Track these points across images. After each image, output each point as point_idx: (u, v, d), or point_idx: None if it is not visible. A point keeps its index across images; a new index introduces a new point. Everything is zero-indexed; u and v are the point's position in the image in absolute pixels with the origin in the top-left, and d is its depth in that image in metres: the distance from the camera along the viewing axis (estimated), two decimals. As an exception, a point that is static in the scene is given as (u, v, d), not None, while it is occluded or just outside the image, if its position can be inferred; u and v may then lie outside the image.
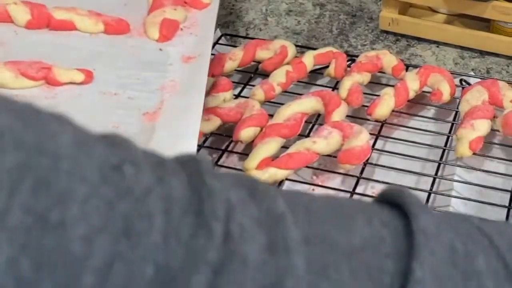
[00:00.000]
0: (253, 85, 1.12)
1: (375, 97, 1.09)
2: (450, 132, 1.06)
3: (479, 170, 0.99)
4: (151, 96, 0.98)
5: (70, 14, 1.08)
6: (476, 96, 1.06)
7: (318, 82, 1.17)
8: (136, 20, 1.12)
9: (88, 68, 1.01)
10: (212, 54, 1.20)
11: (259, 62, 1.17)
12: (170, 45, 1.08)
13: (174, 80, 1.00)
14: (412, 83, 1.09)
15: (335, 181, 1.01)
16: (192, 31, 1.11)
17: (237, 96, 1.12)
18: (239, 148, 1.05)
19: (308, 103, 1.05)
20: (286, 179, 0.98)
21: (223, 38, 1.26)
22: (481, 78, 1.13)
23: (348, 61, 1.16)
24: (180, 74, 1.01)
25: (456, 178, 0.99)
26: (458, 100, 1.09)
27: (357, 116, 1.08)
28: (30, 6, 1.07)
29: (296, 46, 1.19)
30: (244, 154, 1.01)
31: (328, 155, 1.00)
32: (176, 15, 1.11)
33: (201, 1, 1.15)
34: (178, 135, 0.90)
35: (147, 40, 1.08)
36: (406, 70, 1.14)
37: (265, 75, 1.13)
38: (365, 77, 1.11)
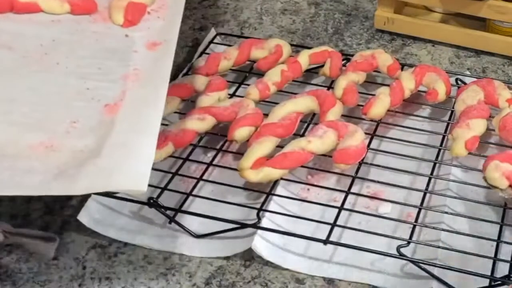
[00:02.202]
0: (248, 85, 1.12)
1: (370, 96, 1.08)
2: (445, 131, 1.06)
3: (475, 169, 0.99)
4: (112, 86, 0.94)
5: None
6: (471, 96, 1.06)
7: (313, 81, 1.16)
8: (104, 2, 1.07)
9: (48, 57, 0.97)
10: (206, 53, 1.20)
11: (254, 61, 1.16)
12: (136, 30, 1.04)
13: (138, 69, 0.96)
14: (408, 82, 1.08)
15: (330, 180, 1.00)
16: (160, 14, 1.06)
17: (232, 96, 1.11)
18: (234, 147, 1.04)
19: (303, 103, 1.05)
20: (281, 178, 0.98)
21: (217, 37, 1.26)
22: (476, 78, 1.13)
23: (343, 60, 1.15)
24: (144, 62, 0.97)
25: (451, 177, 0.99)
26: (453, 100, 1.09)
27: (352, 116, 1.08)
28: None
29: (291, 45, 1.18)
30: (239, 154, 1.00)
31: (323, 155, 0.99)
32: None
33: None
34: (137, 130, 0.85)
35: (112, 25, 1.04)
36: (402, 69, 1.13)
37: (260, 74, 1.13)
38: (361, 77, 1.11)
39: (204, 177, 0.99)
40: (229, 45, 1.21)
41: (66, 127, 0.88)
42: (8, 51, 0.97)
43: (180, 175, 0.99)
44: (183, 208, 0.95)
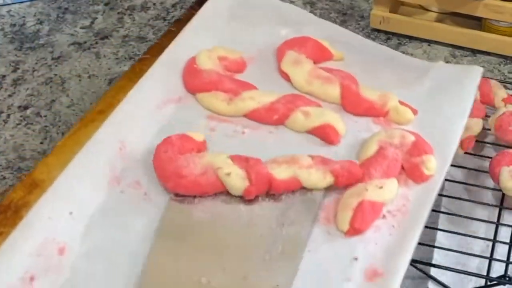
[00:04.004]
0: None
1: (366, 95, 1.08)
2: (441, 131, 1.05)
3: (471, 169, 0.99)
4: None
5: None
6: (467, 95, 1.05)
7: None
8: None
9: None
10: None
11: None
12: (362, 242, 0.77)
13: None
14: (403, 81, 1.08)
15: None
16: (397, 221, 0.79)
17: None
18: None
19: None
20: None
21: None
22: (472, 77, 1.13)
23: (339, 59, 1.15)
24: None
25: (447, 177, 0.98)
26: (449, 99, 1.09)
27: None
28: None
29: (287, 44, 1.18)
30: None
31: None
32: (382, 194, 0.80)
33: (422, 171, 0.83)
34: None
35: (332, 232, 0.79)
36: (397, 68, 1.13)
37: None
38: (356, 76, 1.10)
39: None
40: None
41: None
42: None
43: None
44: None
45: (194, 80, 0.93)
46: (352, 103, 0.91)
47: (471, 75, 0.93)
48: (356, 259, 0.76)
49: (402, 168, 0.83)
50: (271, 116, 0.89)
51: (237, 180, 0.79)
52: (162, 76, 0.93)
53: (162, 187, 0.82)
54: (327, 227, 0.79)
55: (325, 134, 0.87)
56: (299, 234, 0.77)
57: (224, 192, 0.80)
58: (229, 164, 0.80)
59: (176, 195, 0.80)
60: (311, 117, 0.88)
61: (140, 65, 1.03)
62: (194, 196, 0.80)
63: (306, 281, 0.74)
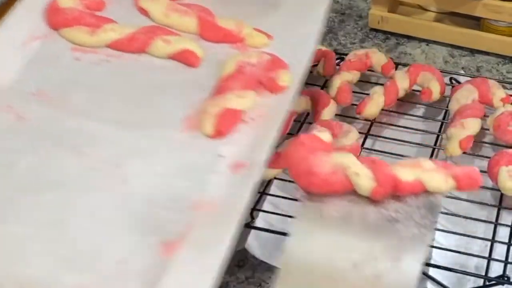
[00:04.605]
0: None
1: (364, 95, 1.08)
2: (440, 131, 1.05)
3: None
4: (177, 218, 0.77)
5: None
6: (466, 95, 1.05)
7: (307, 81, 1.15)
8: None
9: (118, 172, 0.81)
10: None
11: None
12: (226, 143, 0.85)
13: (213, 197, 0.79)
14: (402, 81, 1.08)
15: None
16: (257, 124, 0.87)
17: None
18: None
19: (297, 102, 1.05)
20: (275, 178, 0.97)
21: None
22: (471, 77, 1.13)
23: (337, 59, 1.15)
24: (221, 189, 0.80)
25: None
26: (448, 99, 1.09)
27: (346, 115, 1.08)
28: None
29: (285, 44, 1.18)
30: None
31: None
32: (241, 103, 0.88)
33: (277, 83, 0.90)
34: (189, 279, 0.71)
35: (198, 136, 0.86)
36: (396, 68, 1.13)
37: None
38: (354, 76, 1.11)
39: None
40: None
41: (111, 269, 0.73)
42: (77, 158, 0.82)
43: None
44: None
45: (57, 18, 0.96)
46: (209, 32, 0.98)
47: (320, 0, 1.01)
48: (221, 156, 0.83)
49: (261, 83, 0.90)
50: (132, 45, 0.94)
51: (365, 180, 0.80)
52: (26, 17, 0.97)
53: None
54: (191, 133, 0.86)
55: (185, 58, 0.94)
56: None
57: (351, 192, 0.81)
58: (357, 164, 0.81)
59: (307, 193, 0.81)
60: (171, 43, 0.94)
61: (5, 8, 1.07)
62: (324, 195, 0.81)
63: (177, 175, 0.81)
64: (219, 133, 0.85)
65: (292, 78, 0.91)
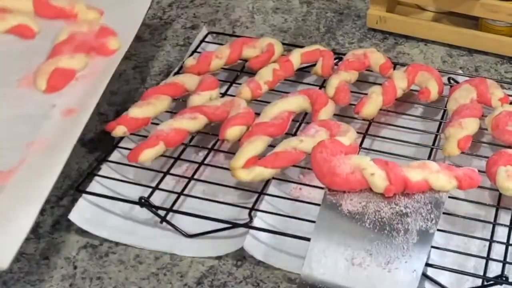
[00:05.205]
0: (240, 84, 1.11)
1: (362, 95, 1.08)
2: (438, 130, 1.05)
3: (468, 169, 0.99)
4: (12, 154, 0.92)
5: None
6: (464, 95, 1.05)
7: (305, 81, 1.16)
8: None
9: None
10: (198, 52, 1.19)
11: (245, 60, 1.16)
12: (58, 96, 1.03)
13: (46, 136, 0.95)
14: (400, 81, 1.08)
15: (322, 180, 1.00)
16: (88, 80, 1.05)
17: (223, 95, 1.11)
18: (226, 147, 1.04)
19: (295, 102, 1.05)
20: (273, 178, 0.97)
21: (209, 36, 1.25)
22: (469, 77, 1.13)
23: (335, 59, 1.15)
24: (54, 130, 0.96)
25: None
26: (446, 99, 1.09)
27: (344, 115, 1.08)
28: None
29: (283, 44, 1.18)
30: (231, 153, 1.00)
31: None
32: (72, 63, 1.06)
33: (107, 47, 1.10)
34: (21, 200, 0.85)
35: (34, 91, 1.03)
36: (394, 68, 1.13)
37: (252, 73, 1.13)
38: (353, 76, 1.11)
39: (195, 177, 0.99)
40: (221, 44, 1.20)
41: None
42: None
43: (172, 174, 0.99)
44: (175, 208, 0.94)
45: None
46: (44, 10, 1.16)
47: None
48: (54, 105, 1.00)
49: (92, 47, 1.09)
50: None
51: (379, 180, 0.90)
52: None
53: None
54: (29, 89, 1.04)
55: (21, 32, 1.12)
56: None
57: (367, 190, 0.92)
58: (372, 166, 0.91)
59: (330, 190, 0.92)
60: (7, 19, 1.12)
61: None
62: (344, 192, 0.91)
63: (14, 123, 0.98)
64: (52, 88, 1.03)
65: (120, 43, 1.10)
